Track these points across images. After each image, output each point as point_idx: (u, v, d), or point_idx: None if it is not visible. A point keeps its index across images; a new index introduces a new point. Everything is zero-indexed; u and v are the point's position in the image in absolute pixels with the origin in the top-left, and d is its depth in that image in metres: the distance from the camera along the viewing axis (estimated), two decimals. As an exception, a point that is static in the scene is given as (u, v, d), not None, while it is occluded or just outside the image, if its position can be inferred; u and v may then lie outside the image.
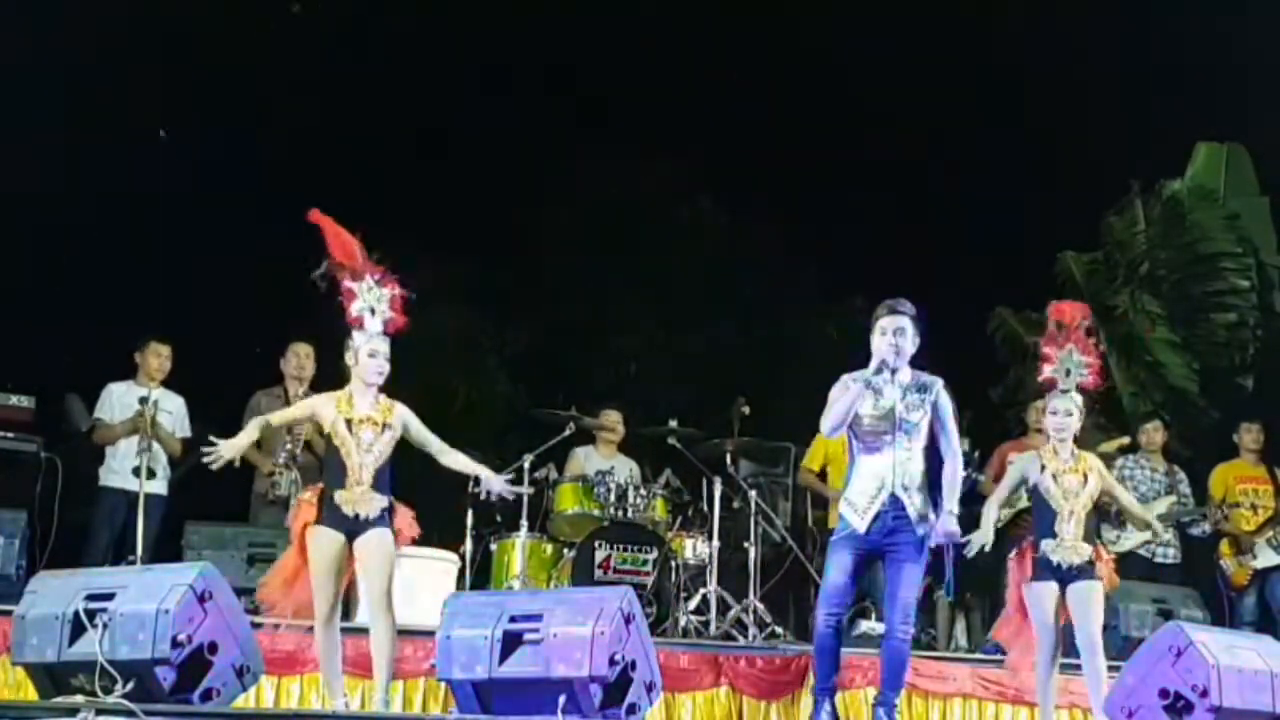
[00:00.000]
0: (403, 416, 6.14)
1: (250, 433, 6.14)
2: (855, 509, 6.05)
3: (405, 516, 6.17)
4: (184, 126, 11.84)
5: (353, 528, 6.00)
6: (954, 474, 6.11)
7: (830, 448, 8.79)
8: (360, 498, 5.99)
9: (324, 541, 6.00)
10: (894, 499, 6.02)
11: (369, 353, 6.09)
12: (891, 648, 6.12)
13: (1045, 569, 6.62)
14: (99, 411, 8.19)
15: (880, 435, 6.04)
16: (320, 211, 6.24)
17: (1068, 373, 6.79)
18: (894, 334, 6.12)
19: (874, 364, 6.06)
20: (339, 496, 6.00)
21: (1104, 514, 9.10)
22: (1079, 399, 6.78)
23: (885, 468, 6.02)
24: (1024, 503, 8.71)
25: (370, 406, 6.09)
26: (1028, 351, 12.06)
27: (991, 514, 6.70)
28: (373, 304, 6.11)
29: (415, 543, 6.38)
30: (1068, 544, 6.62)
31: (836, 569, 6.03)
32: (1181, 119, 12.56)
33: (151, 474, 7.82)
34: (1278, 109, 11.72)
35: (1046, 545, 6.64)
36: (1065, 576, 6.61)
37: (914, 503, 6.03)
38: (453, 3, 13.30)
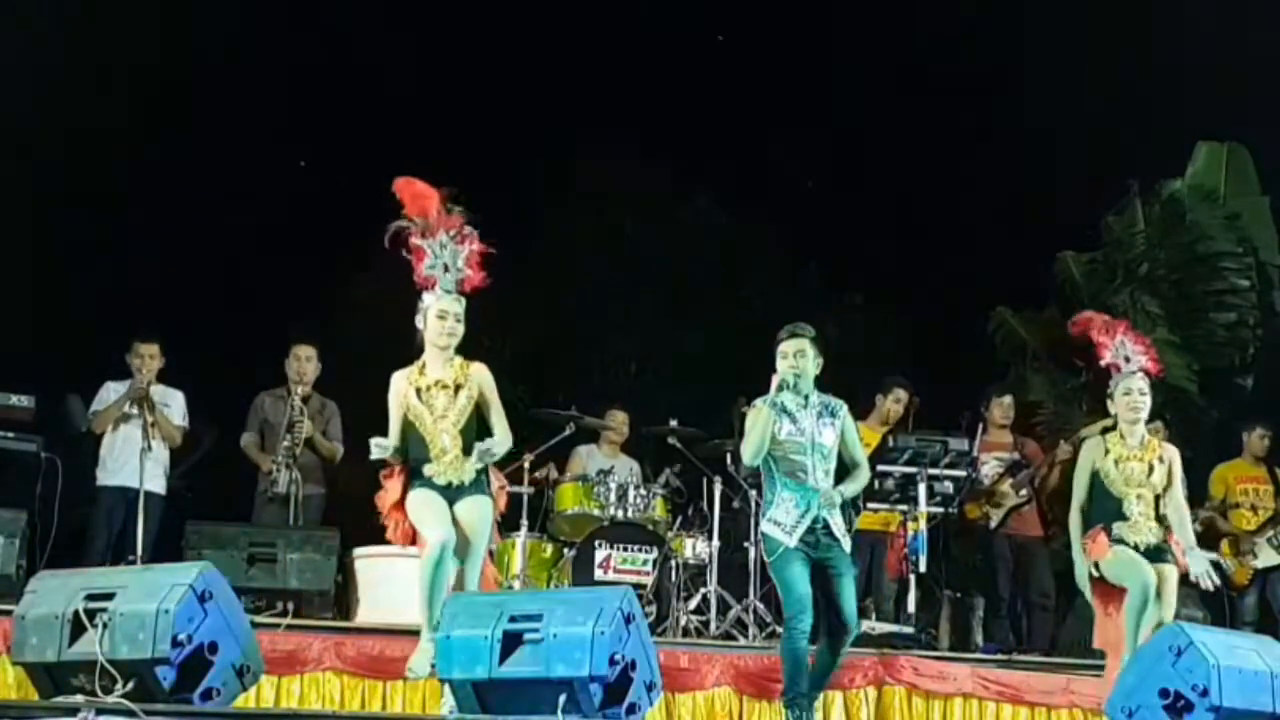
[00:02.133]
0: (479, 378, 5.87)
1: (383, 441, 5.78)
2: (783, 528, 6.11)
3: (499, 479, 5.95)
4: (186, 125, 11.83)
5: (449, 495, 5.78)
6: (859, 480, 6.30)
7: (867, 434, 8.84)
8: (450, 466, 5.78)
9: (424, 494, 5.73)
10: (820, 520, 6.12)
11: (438, 314, 5.84)
12: (835, 660, 6.22)
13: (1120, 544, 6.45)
14: (95, 408, 8.20)
15: (799, 458, 6.14)
16: (403, 178, 5.98)
17: (1126, 359, 6.69)
18: (795, 356, 6.18)
19: (775, 385, 6.15)
20: (428, 469, 5.78)
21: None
22: (1147, 381, 6.66)
23: (809, 491, 6.12)
24: (1013, 500, 8.75)
25: (442, 370, 5.84)
26: (1027, 351, 12.09)
27: (1077, 530, 6.61)
28: (446, 261, 5.84)
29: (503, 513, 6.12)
30: (1141, 525, 6.48)
31: (799, 579, 6.05)
32: (1181, 119, 12.56)
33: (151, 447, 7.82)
34: (1278, 109, 11.71)
35: (1119, 527, 6.50)
36: (1142, 555, 6.45)
37: (837, 522, 6.15)
38: (451, 3, 13.31)
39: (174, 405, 8.22)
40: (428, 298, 5.87)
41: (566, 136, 13.41)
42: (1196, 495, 9.25)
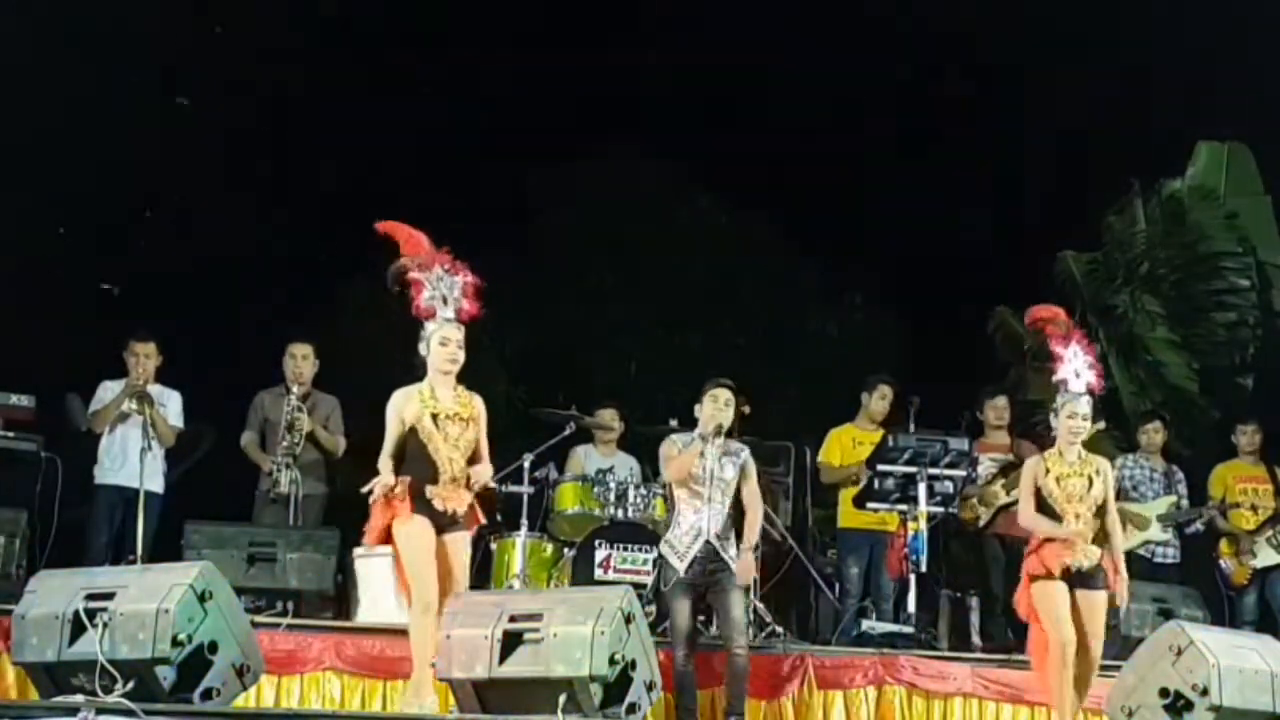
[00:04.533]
0: (480, 409, 6.13)
1: (385, 468, 5.99)
2: (675, 551, 6.82)
3: (476, 510, 6.17)
4: (186, 125, 11.83)
5: (441, 523, 5.98)
6: (754, 522, 6.92)
7: (843, 441, 8.85)
8: (452, 493, 5.98)
9: (418, 529, 5.94)
10: (709, 545, 6.76)
11: (440, 340, 6.05)
12: (737, 663, 6.70)
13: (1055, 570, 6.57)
14: (93, 407, 8.19)
15: (700, 489, 6.82)
16: (384, 221, 6.20)
17: (1077, 374, 6.74)
18: (724, 403, 6.94)
19: (710, 427, 6.86)
20: (430, 491, 5.96)
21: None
22: (1090, 401, 6.75)
23: (702, 519, 6.79)
24: (1003, 499, 8.75)
25: (453, 400, 6.05)
26: (1027, 351, 12.08)
27: (1043, 524, 6.69)
28: (444, 292, 6.07)
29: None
30: (1078, 546, 6.58)
31: (683, 614, 6.75)
32: (1181, 119, 12.56)
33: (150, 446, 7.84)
34: (1278, 109, 11.71)
35: (1058, 548, 6.60)
36: (1074, 580, 6.57)
37: (727, 550, 6.79)
38: (450, 4, 13.30)
39: (170, 405, 8.20)
40: (430, 326, 6.09)
41: (567, 137, 13.41)
42: (1197, 495, 9.27)
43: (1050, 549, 6.65)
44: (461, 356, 6.08)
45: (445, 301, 6.06)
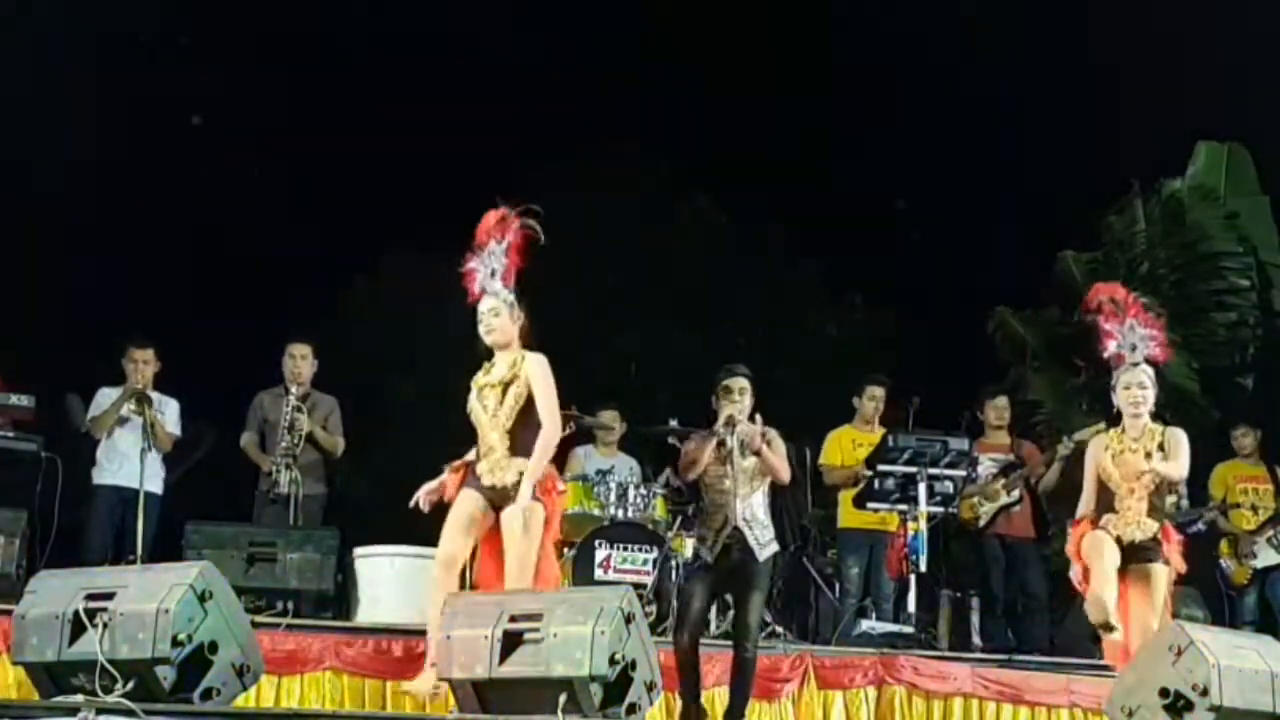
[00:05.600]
0: (527, 371, 6.01)
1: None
2: (704, 543, 6.68)
3: (549, 479, 6.04)
4: (186, 127, 11.85)
5: (493, 498, 5.92)
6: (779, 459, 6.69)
7: (843, 443, 8.85)
8: (496, 465, 5.92)
9: (463, 497, 5.91)
10: (737, 532, 6.59)
11: (478, 318, 6.07)
12: (743, 660, 6.62)
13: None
14: (92, 413, 8.19)
15: (725, 482, 6.65)
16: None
17: (1133, 347, 6.58)
18: (739, 393, 6.77)
19: (723, 419, 6.68)
20: (478, 468, 5.95)
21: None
22: (1151, 371, 6.56)
23: (728, 506, 6.62)
24: (1004, 498, 8.76)
25: (502, 368, 6.02)
26: (1027, 351, 12.09)
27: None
28: (492, 265, 6.11)
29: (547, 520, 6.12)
30: (1130, 518, 6.43)
31: (697, 598, 6.67)
32: (1181, 119, 12.57)
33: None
34: (1278, 109, 11.72)
35: (1107, 519, 6.45)
36: (1125, 552, 6.40)
37: (755, 535, 6.61)
38: (451, 4, 13.31)
39: (168, 413, 8.20)
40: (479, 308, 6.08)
41: (567, 137, 13.42)
42: (1197, 495, 9.26)
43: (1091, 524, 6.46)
44: (496, 324, 6.05)
45: (493, 274, 6.09)
